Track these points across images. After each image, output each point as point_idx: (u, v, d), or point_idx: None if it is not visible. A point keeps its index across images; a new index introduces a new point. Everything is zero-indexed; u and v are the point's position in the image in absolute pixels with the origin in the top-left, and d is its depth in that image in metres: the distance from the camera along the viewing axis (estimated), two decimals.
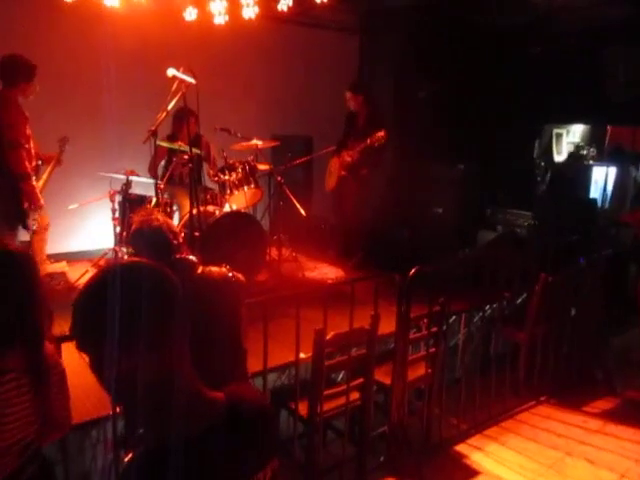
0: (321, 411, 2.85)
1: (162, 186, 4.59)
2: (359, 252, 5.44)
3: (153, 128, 4.22)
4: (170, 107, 4.20)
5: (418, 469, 3.23)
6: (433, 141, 6.33)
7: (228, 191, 4.77)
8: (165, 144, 4.64)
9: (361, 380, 3.03)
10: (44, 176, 4.45)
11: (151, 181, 4.54)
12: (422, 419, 3.47)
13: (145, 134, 4.27)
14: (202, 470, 0.97)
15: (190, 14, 4.79)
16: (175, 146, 4.63)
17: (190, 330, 1.03)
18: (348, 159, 5.39)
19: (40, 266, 4.54)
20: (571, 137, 7.90)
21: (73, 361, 2.93)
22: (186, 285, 1.06)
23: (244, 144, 5.09)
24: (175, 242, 2.24)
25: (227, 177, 4.77)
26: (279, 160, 5.77)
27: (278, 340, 2.99)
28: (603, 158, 7.52)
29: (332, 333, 2.81)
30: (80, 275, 4.60)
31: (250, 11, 4.82)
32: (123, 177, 4.74)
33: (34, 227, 4.20)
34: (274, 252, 5.01)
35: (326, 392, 2.87)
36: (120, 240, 4.68)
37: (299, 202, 5.22)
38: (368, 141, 5.11)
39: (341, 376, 3.43)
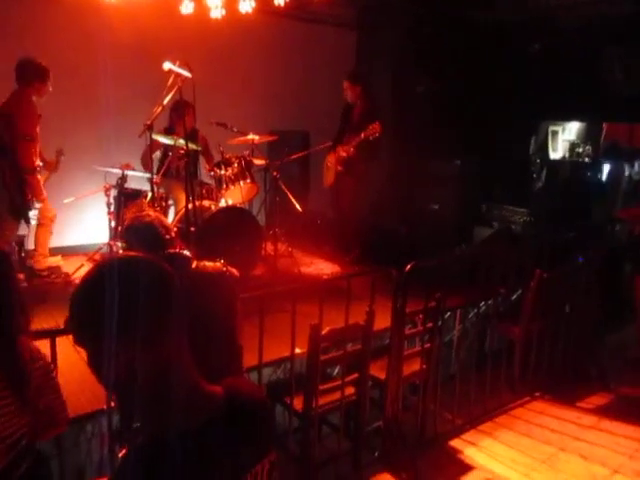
0: (316, 406, 2.86)
1: (158, 180, 4.58)
2: (356, 249, 5.42)
3: (149, 122, 4.21)
4: (166, 101, 4.18)
5: (413, 464, 3.24)
6: (430, 137, 6.34)
7: (224, 186, 4.76)
8: (161, 138, 4.62)
9: (356, 375, 3.04)
10: (42, 179, 4.48)
11: (147, 175, 4.53)
12: (417, 414, 3.48)
13: (141, 128, 4.26)
14: (200, 463, 0.97)
15: (186, 7, 4.76)
16: (171, 140, 4.61)
17: (188, 324, 1.03)
18: (344, 154, 5.33)
19: (41, 259, 4.55)
20: (567, 134, 7.91)
21: (67, 356, 2.92)
22: (180, 280, 1.06)
23: (241, 139, 5.08)
24: (167, 237, 2.24)
25: (223, 172, 4.76)
26: (276, 155, 5.76)
27: (274, 335, 2.99)
28: (599, 155, 7.53)
29: (328, 328, 2.81)
30: (76, 269, 4.59)
31: (247, 5, 4.80)
32: (119, 171, 4.73)
33: (33, 221, 4.29)
34: (270, 247, 5.01)
35: (321, 387, 2.88)
36: (115, 234, 4.67)
37: (295, 197, 5.21)
38: (362, 135, 5.03)
39: (336, 371, 3.44)
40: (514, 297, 4.62)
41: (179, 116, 4.76)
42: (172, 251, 2.21)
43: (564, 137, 7.87)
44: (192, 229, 4.05)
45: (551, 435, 3.67)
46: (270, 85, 6.50)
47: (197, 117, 4.94)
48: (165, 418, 0.98)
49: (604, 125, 7.26)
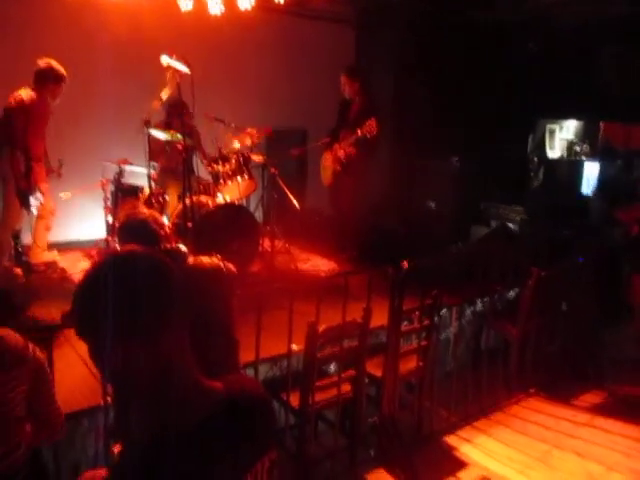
0: (313, 402, 2.86)
1: (155, 176, 4.57)
2: (353, 246, 5.40)
3: (146, 117, 4.20)
4: (164, 96, 4.17)
5: (409, 461, 3.24)
6: (428, 136, 6.34)
7: (221, 182, 4.75)
8: (158, 133, 4.61)
9: (353, 372, 3.05)
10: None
11: (144, 171, 4.51)
12: (413, 411, 3.49)
13: (139, 123, 4.25)
14: (200, 459, 0.97)
15: (186, 4, 4.74)
16: (168, 135, 4.60)
17: (189, 319, 1.03)
18: (341, 153, 5.29)
19: (38, 252, 4.56)
20: (564, 133, 7.90)
21: (64, 351, 2.92)
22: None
23: (239, 136, 5.07)
24: (162, 232, 2.25)
25: (221, 168, 4.75)
26: (273, 152, 5.75)
27: (270, 331, 2.99)
28: (595, 155, 7.54)
29: (324, 325, 2.81)
30: (73, 265, 4.58)
31: (246, 2, 4.78)
32: (116, 166, 4.71)
33: (34, 210, 4.40)
34: (267, 244, 5.01)
35: (318, 383, 2.88)
36: (112, 230, 4.65)
37: (293, 194, 5.19)
38: (359, 132, 4.96)
39: (333, 368, 3.44)
40: (511, 295, 4.63)
41: (176, 114, 4.76)
42: (168, 246, 2.21)
43: (562, 136, 7.86)
44: (189, 225, 4.04)
45: (547, 433, 3.68)
46: (269, 82, 6.48)
47: (195, 113, 4.92)
48: (165, 413, 0.98)
49: (601, 124, 7.25)
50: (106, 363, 0.96)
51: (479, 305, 4.31)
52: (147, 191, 4.56)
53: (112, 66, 4.94)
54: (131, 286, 0.95)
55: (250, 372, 2.88)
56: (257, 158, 5.14)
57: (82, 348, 2.90)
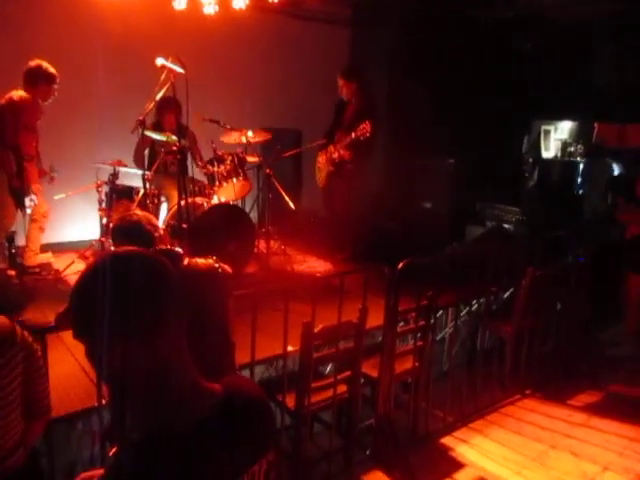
0: (308, 403, 2.86)
1: (150, 177, 4.55)
2: (348, 247, 5.41)
3: (141, 118, 4.19)
4: (158, 97, 4.16)
5: (404, 461, 3.24)
6: (424, 136, 6.34)
7: (217, 183, 4.74)
8: (153, 134, 4.60)
9: (349, 373, 3.04)
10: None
11: (139, 172, 4.50)
12: (409, 412, 3.49)
13: (133, 124, 4.23)
14: (197, 461, 0.96)
15: (179, 3, 4.74)
16: (163, 136, 4.59)
17: (187, 321, 1.03)
18: (335, 155, 5.28)
19: (32, 255, 4.54)
20: (559, 134, 7.93)
21: (58, 352, 2.91)
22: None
23: (234, 136, 5.06)
24: (156, 234, 2.25)
25: (216, 169, 4.75)
26: (269, 153, 5.73)
27: (266, 332, 2.98)
28: (587, 154, 7.57)
29: (320, 326, 2.81)
30: (67, 266, 4.56)
31: (240, 1, 4.78)
32: (110, 167, 4.70)
33: (29, 210, 4.40)
34: (262, 245, 5.00)
35: (314, 384, 2.88)
36: (106, 231, 4.63)
37: (288, 195, 5.19)
38: (353, 135, 4.93)
39: (329, 368, 3.44)
40: (506, 295, 4.64)
41: (166, 112, 4.75)
42: (163, 247, 2.21)
43: (556, 136, 7.89)
44: (184, 226, 4.03)
45: (542, 433, 3.69)
46: (263, 82, 6.47)
47: (189, 113, 4.91)
48: (162, 415, 0.98)
49: (595, 124, 7.28)
50: (103, 363, 0.95)
51: (474, 305, 4.31)
52: (142, 192, 4.54)
53: (106, 66, 4.92)
54: (128, 286, 0.95)
55: (246, 373, 2.87)
56: (252, 159, 5.13)
57: (77, 349, 2.90)
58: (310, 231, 6.15)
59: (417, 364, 3.39)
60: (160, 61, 3.91)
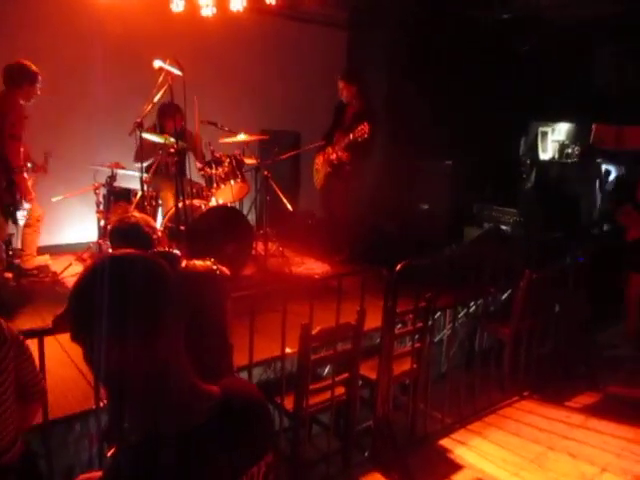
0: (307, 405, 2.85)
1: (148, 179, 4.55)
2: (346, 249, 5.41)
3: (139, 120, 4.18)
4: (156, 99, 4.16)
5: (403, 463, 3.24)
6: (422, 138, 6.35)
7: (215, 185, 4.74)
8: (151, 137, 4.59)
9: (347, 375, 3.04)
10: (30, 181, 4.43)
11: (137, 174, 4.50)
12: (407, 414, 3.48)
13: (131, 126, 4.23)
14: (196, 464, 0.96)
15: (177, 5, 4.74)
16: (161, 138, 4.59)
17: (185, 323, 1.03)
18: (333, 156, 5.29)
19: (29, 258, 4.52)
20: (556, 135, 7.95)
21: (55, 355, 2.90)
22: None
23: (230, 139, 5.06)
24: (154, 236, 2.24)
25: (214, 171, 4.74)
26: (267, 155, 5.73)
27: (264, 334, 2.98)
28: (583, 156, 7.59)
29: (318, 328, 2.81)
30: (64, 268, 4.56)
31: (238, 3, 4.79)
32: (108, 169, 4.70)
33: (22, 222, 4.29)
34: (260, 247, 5.00)
35: (312, 386, 2.87)
36: (104, 233, 4.63)
37: (286, 197, 5.19)
38: (351, 136, 4.96)
39: (327, 370, 3.43)
40: (504, 297, 4.64)
41: (166, 116, 4.74)
42: (161, 250, 2.21)
43: (554, 138, 7.91)
44: (182, 228, 4.03)
45: (540, 434, 3.69)
46: (261, 84, 6.48)
47: (187, 115, 4.91)
48: (161, 417, 0.97)
49: (593, 126, 7.30)
50: (101, 366, 0.95)
51: (472, 307, 4.31)
52: (139, 194, 4.54)
53: (104, 68, 4.93)
54: (127, 288, 0.95)
55: (244, 375, 2.87)
56: (250, 161, 5.13)
57: (74, 351, 2.89)
58: (308, 233, 6.15)
59: (415, 366, 3.39)
60: (158, 63, 3.91)
